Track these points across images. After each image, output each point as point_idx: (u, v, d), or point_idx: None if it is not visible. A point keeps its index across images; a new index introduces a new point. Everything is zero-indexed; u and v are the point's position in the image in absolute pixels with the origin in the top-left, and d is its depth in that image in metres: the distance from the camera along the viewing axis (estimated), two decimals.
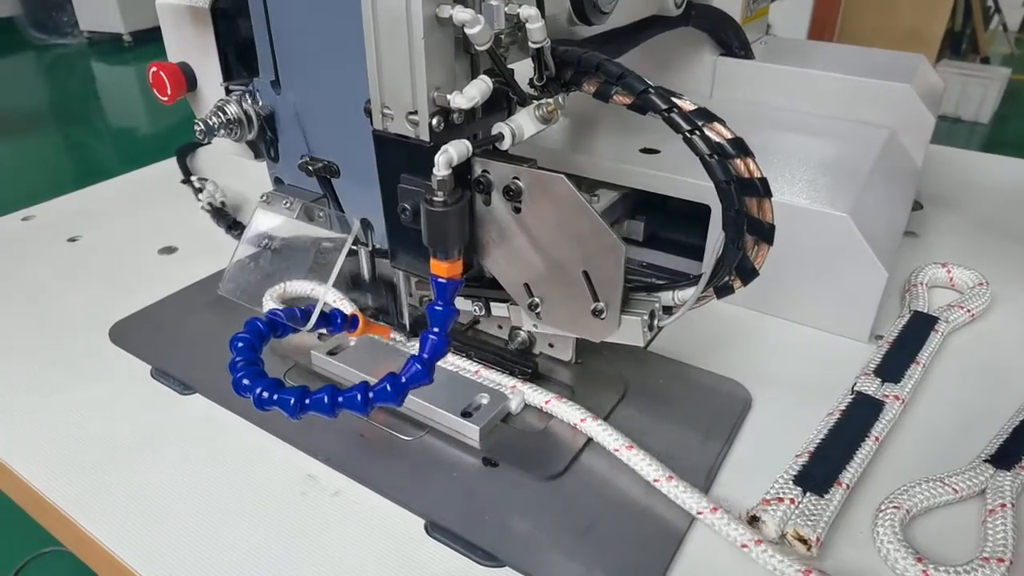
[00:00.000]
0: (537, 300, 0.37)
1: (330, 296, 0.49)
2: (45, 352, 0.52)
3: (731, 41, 0.74)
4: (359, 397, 0.33)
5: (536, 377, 0.46)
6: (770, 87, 0.72)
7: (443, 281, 0.34)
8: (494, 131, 0.34)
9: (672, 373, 0.49)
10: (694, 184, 0.55)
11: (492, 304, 0.42)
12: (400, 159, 0.34)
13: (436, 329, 0.34)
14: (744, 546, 0.35)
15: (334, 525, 0.38)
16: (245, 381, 0.35)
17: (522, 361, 0.46)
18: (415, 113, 0.32)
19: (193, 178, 0.76)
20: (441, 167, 0.31)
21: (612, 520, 0.38)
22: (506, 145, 0.34)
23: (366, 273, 0.49)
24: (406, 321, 0.49)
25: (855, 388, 0.46)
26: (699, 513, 0.37)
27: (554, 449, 0.42)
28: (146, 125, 3.12)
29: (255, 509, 0.39)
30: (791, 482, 0.39)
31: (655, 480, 0.38)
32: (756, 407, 0.46)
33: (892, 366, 0.48)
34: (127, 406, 0.47)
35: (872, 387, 0.46)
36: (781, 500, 0.37)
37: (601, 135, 0.65)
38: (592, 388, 0.46)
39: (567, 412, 0.42)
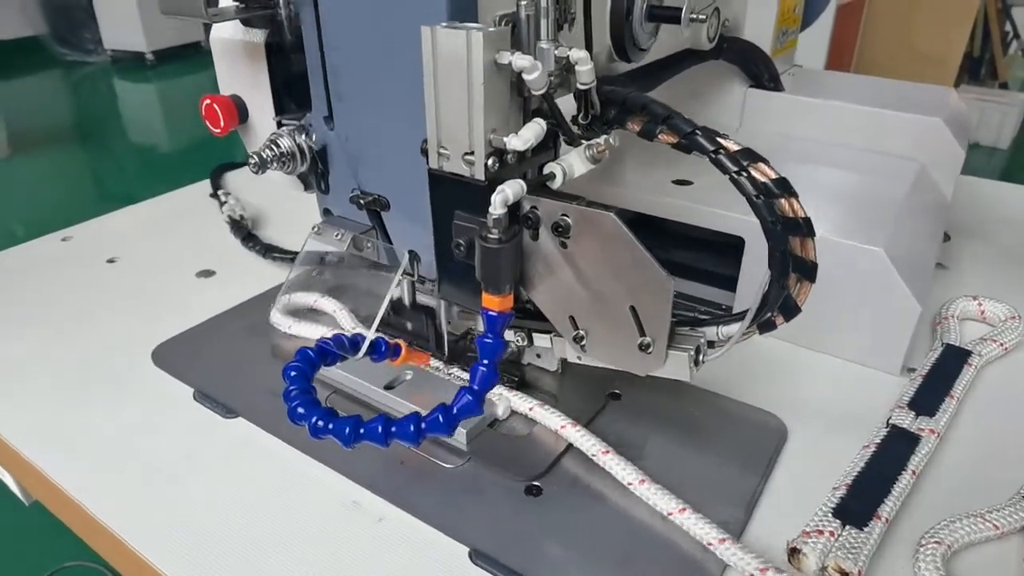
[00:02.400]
0: (582, 332, 0.38)
1: (348, 322, 0.51)
2: (91, 373, 0.53)
3: (761, 73, 0.75)
4: (412, 428, 0.34)
5: (522, 385, 0.49)
6: (799, 119, 0.73)
7: (494, 314, 0.35)
8: (546, 171, 0.35)
9: (707, 404, 0.49)
10: (728, 216, 0.56)
11: (535, 335, 0.43)
12: (455, 197, 0.35)
13: (486, 361, 0.35)
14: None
15: (380, 552, 0.39)
16: (300, 410, 0.36)
17: (510, 370, 0.48)
18: (471, 154, 0.33)
19: (220, 192, 0.79)
20: (497, 206, 0.32)
21: (647, 544, 0.39)
22: (557, 184, 0.35)
23: (406, 299, 0.50)
24: (444, 347, 0.49)
25: (890, 421, 0.46)
26: (669, 514, 0.39)
27: (536, 453, 0.44)
28: (167, 143, 3.16)
29: (302, 534, 0.40)
30: (830, 514, 0.39)
31: (629, 483, 0.40)
32: (791, 439, 0.47)
33: (926, 399, 0.48)
34: (171, 429, 0.48)
35: (907, 420, 0.46)
36: (821, 532, 0.38)
37: (633, 167, 0.66)
38: (575, 397, 0.49)
39: (548, 418, 0.44)
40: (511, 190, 0.32)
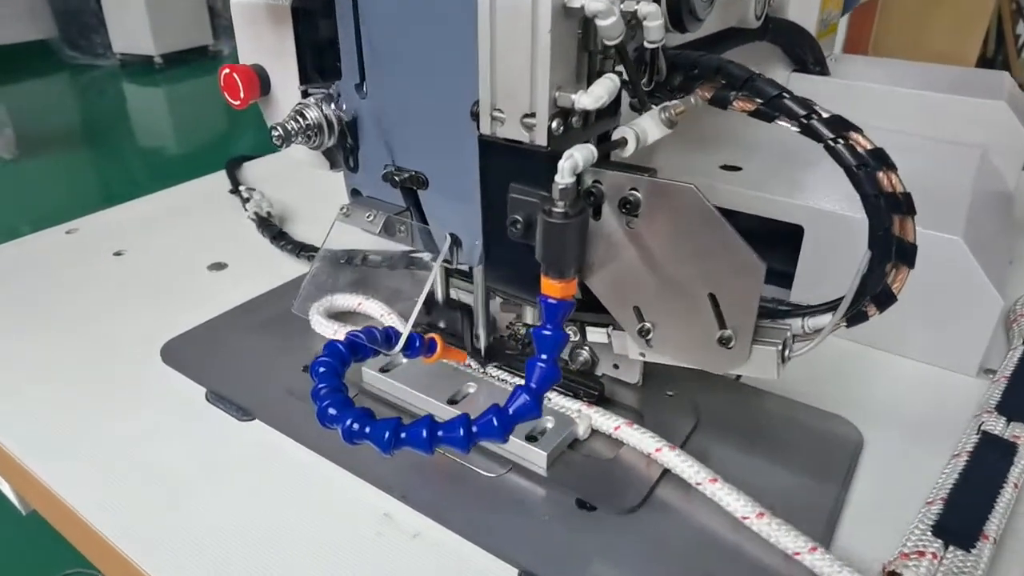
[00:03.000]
0: (649, 325, 0.34)
1: (378, 311, 0.46)
2: (95, 371, 0.49)
3: (806, 57, 0.71)
4: (461, 432, 0.30)
5: (601, 400, 0.43)
6: (848, 105, 0.67)
7: (554, 302, 0.30)
8: (616, 136, 0.30)
9: (771, 408, 0.45)
10: (783, 203, 0.52)
11: (588, 328, 0.38)
12: (510, 167, 0.31)
13: (544, 356, 0.31)
14: None
15: (416, 572, 0.34)
16: (332, 411, 0.31)
17: (588, 383, 0.42)
18: (532, 115, 0.29)
19: (241, 188, 0.74)
20: (565, 174, 0.28)
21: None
22: (629, 152, 0.30)
23: (439, 293, 0.45)
24: (481, 346, 0.45)
25: (981, 428, 0.41)
26: (796, 554, 0.33)
27: (627, 480, 0.38)
28: (176, 145, 3.14)
29: (326, 551, 0.36)
30: (929, 533, 0.34)
31: (744, 518, 0.34)
32: (867, 446, 0.42)
33: (1016, 403, 0.43)
34: (181, 432, 0.44)
35: (998, 427, 0.41)
36: (922, 554, 0.33)
37: (676, 151, 0.61)
38: (662, 414, 0.43)
39: (640, 440, 0.39)
40: (581, 155, 0.28)
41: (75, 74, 4.12)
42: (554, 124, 0.29)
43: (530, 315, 0.40)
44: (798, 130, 0.33)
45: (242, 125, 3.10)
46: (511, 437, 0.38)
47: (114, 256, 0.66)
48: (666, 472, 0.38)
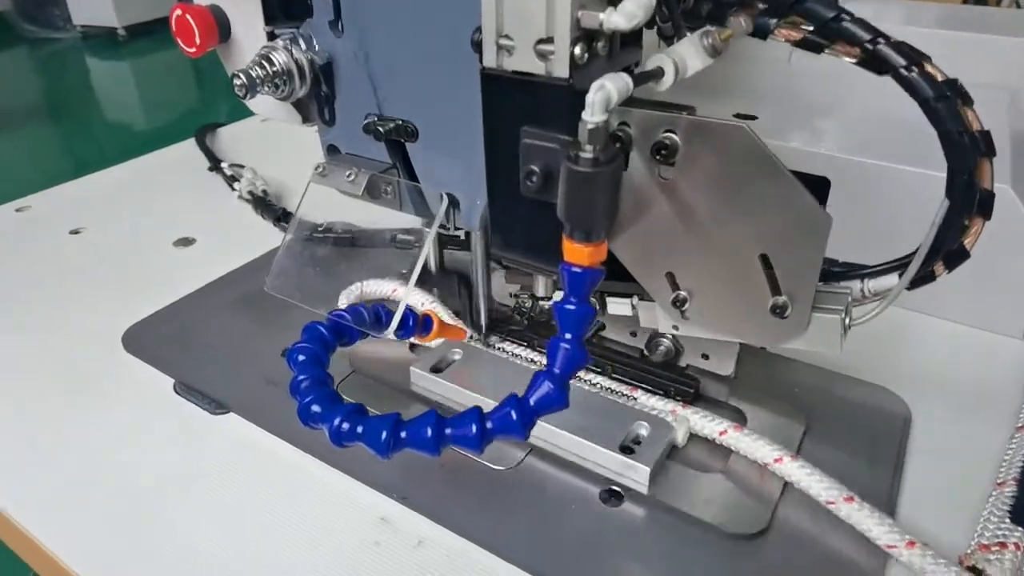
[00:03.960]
0: (684, 294, 0.29)
1: (447, 318, 0.40)
2: (47, 365, 0.44)
3: None
4: (474, 428, 0.25)
5: (696, 398, 0.37)
6: None
7: (579, 270, 0.25)
8: (650, 65, 0.25)
9: (806, 379, 0.40)
10: (812, 154, 0.47)
11: (609, 300, 0.33)
12: (521, 106, 0.26)
13: (568, 335, 0.26)
14: None
15: None
16: (315, 408, 0.26)
17: (681, 379, 0.36)
18: (548, 41, 0.24)
19: (224, 164, 0.67)
20: (596, 110, 0.22)
21: None
22: (666, 84, 0.25)
23: (432, 262, 0.40)
24: (482, 321, 0.40)
25: None
26: None
27: (743, 496, 0.32)
28: (141, 120, 3.03)
29: (316, 564, 0.31)
30: (1007, 519, 0.30)
31: (890, 547, 0.29)
32: (916, 419, 0.38)
33: None
34: (146, 431, 0.39)
35: None
36: (1004, 545, 0.29)
37: (684, 99, 0.56)
38: (764, 412, 0.37)
39: (753, 447, 0.33)
40: (614, 85, 0.22)
41: (34, 48, 3.96)
42: (577, 50, 0.23)
43: (542, 286, 0.35)
44: (854, 61, 0.28)
45: (215, 97, 2.99)
46: (603, 449, 0.33)
47: (70, 235, 0.60)
48: (786, 485, 0.33)
